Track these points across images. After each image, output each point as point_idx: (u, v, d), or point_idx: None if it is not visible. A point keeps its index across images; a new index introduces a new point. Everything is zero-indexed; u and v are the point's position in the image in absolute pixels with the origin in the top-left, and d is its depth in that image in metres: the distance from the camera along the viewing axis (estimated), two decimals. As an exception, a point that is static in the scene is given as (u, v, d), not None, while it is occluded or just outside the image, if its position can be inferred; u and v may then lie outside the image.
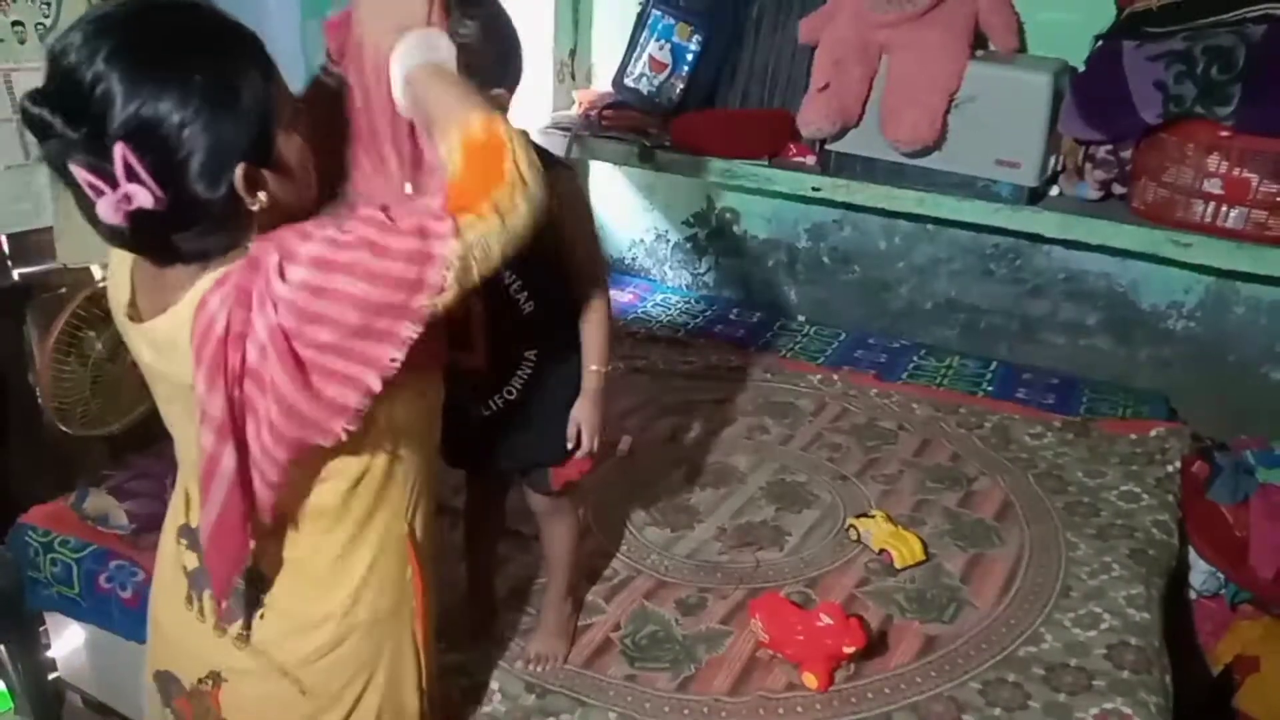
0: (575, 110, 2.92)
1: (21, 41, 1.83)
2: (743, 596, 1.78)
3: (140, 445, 2.02)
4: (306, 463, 1.05)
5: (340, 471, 1.10)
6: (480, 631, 1.67)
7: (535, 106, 2.87)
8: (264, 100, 0.99)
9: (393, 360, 0.98)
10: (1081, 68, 2.32)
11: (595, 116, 2.78)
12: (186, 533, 1.18)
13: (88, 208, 0.95)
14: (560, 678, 1.59)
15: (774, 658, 1.62)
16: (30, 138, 1.92)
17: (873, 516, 1.97)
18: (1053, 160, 2.35)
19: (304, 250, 0.96)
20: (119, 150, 0.90)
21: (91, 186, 0.92)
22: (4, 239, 1.92)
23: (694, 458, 2.24)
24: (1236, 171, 2.07)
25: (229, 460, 0.98)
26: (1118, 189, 2.33)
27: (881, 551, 1.89)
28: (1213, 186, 2.10)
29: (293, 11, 2.12)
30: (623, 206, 3.21)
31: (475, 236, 0.98)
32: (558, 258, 1.41)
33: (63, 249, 1.88)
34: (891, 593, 1.81)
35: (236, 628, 1.14)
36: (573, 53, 2.98)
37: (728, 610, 1.75)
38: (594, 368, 1.47)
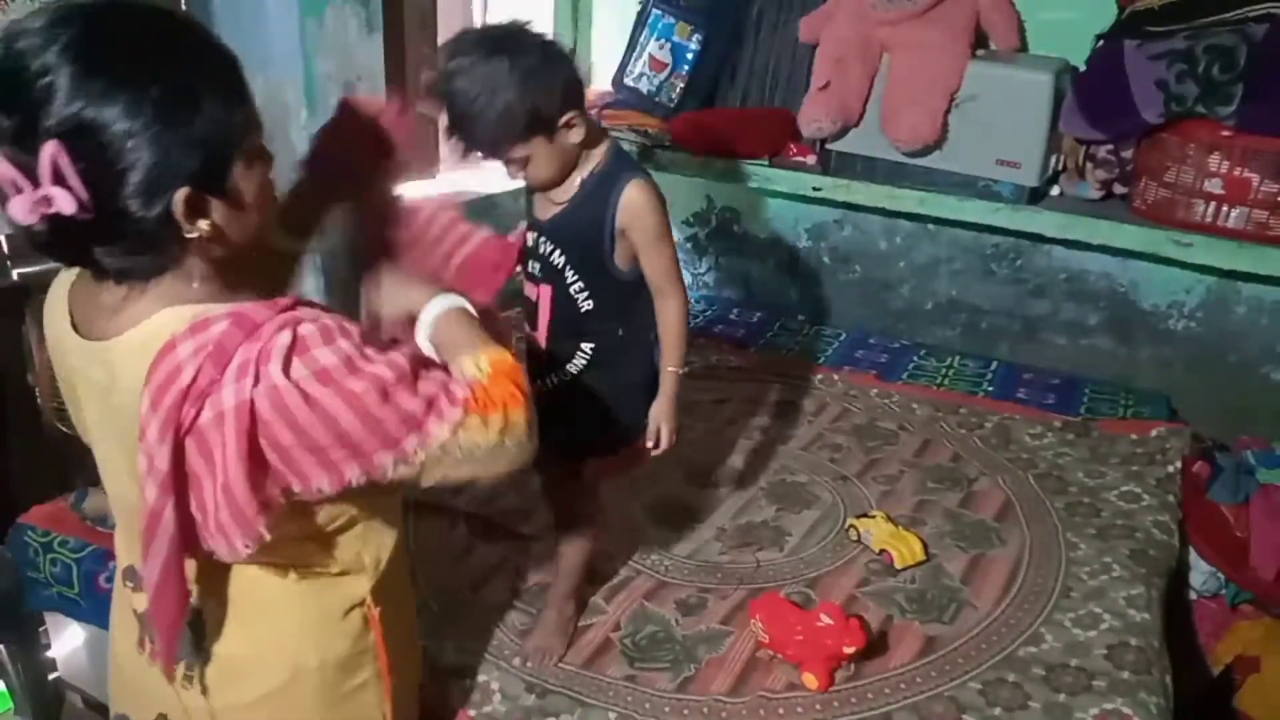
0: (575, 110, 2.92)
1: (21, 41, 1.83)
2: (743, 597, 1.78)
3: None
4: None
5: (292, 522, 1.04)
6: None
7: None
8: (225, 125, 0.92)
9: (319, 490, 0.95)
10: (1083, 67, 2.32)
11: (595, 116, 2.78)
12: (132, 575, 1.12)
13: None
14: (560, 677, 1.59)
15: (774, 658, 1.62)
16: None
17: (873, 517, 1.97)
18: (1054, 160, 2.35)
19: (319, 355, 0.92)
20: (50, 149, 0.83)
21: (9, 181, 0.85)
22: (3, 238, 1.93)
23: (695, 458, 2.24)
24: (1238, 171, 2.06)
25: (170, 514, 0.93)
26: (1119, 189, 2.33)
27: (882, 552, 1.89)
28: (1214, 186, 2.10)
29: (292, 11, 2.12)
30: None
31: (469, 437, 0.99)
32: (621, 264, 1.48)
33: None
34: (892, 593, 1.80)
35: (181, 670, 1.09)
36: (572, 52, 2.97)
37: (728, 610, 1.75)
38: (671, 369, 1.54)
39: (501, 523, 1.96)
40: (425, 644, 1.42)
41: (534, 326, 1.55)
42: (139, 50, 0.89)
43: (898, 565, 1.86)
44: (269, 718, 1.13)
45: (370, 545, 1.13)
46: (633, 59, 2.72)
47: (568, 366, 1.54)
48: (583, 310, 1.50)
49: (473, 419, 0.99)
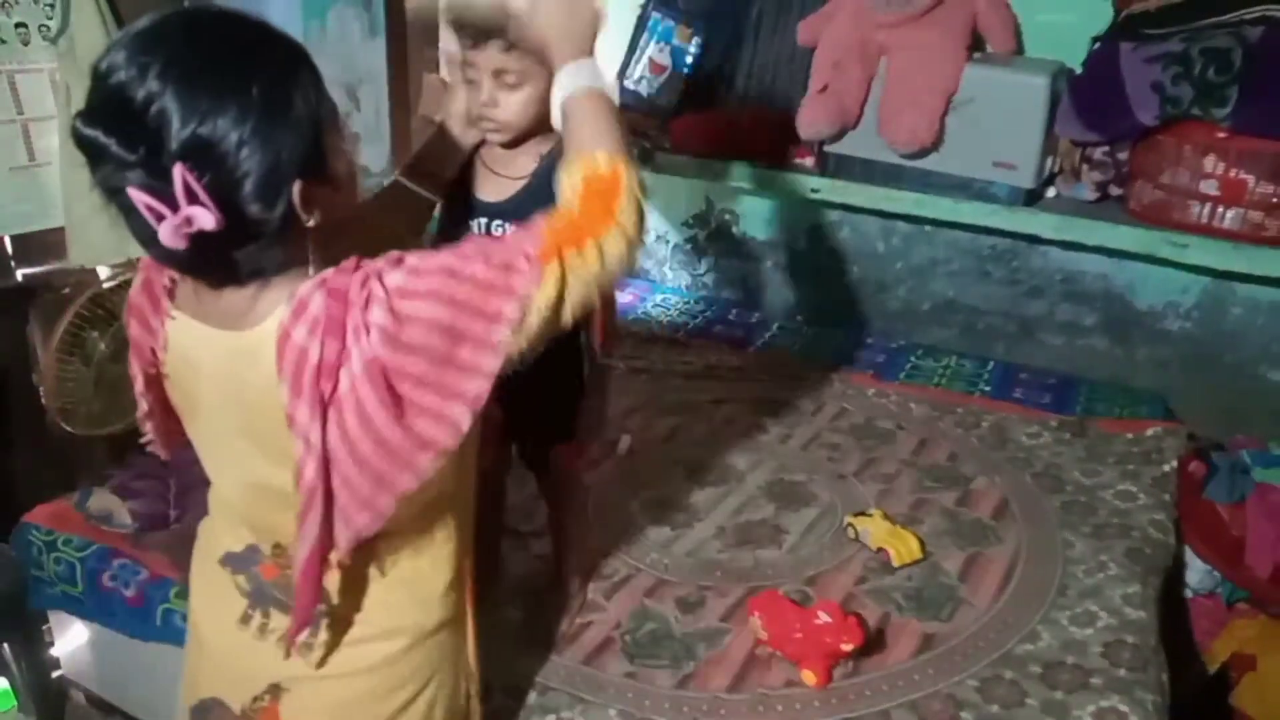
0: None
1: (25, 43, 1.84)
2: (742, 594, 1.79)
3: (143, 444, 2.03)
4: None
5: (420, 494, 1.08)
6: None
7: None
8: (315, 111, 0.96)
9: (477, 396, 0.98)
10: (1079, 69, 2.32)
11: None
12: (232, 559, 1.16)
13: (144, 232, 0.91)
14: (560, 675, 1.60)
15: (773, 655, 1.63)
16: (34, 140, 1.95)
17: (871, 515, 1.98)
18: (1050, 162, 2.36)
19: (389, 280, 0.96)
20: (179, 171, 0.87)
21: (151, 210, 0.88)
22: (7, 240, 1.94)
23: (694, 458, 2.25)
24: (1233, 173, 2.07)
25: (321, 489, 0.98)
26: (1115, 190, 2.34)
27: (879, 550, 1.90)
28: (1209, 188, 2.11)
29: (295, 15, 2.14)
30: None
31: (573, 275, 1.01)
32: None
33: (76, 251, 1.89)
34: (890, 591, 1.82)
35: (305, 636, 1.12)
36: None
37: (727, 608, 1.76)
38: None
39: (502, 521, 1.97)
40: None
41: None
42: (227, 58, 0.92)
43: (895, 563, 1.87)
44: (384, 680, 1.16)
45: (460, 511, 1.20)
46: (632, 62, 2.73)
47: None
48: None
49: (569, 254, 1.01)
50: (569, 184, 1.06)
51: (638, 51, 2.71)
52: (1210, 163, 2.09)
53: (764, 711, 1.54)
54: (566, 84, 1.16)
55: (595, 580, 1.82)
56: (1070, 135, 2.30)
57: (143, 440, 1.19)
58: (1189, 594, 2.12)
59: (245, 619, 1.15)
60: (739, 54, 2.76)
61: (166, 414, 1.15)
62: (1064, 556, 1.92)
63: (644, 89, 2.72)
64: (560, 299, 1.01)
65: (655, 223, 3.20)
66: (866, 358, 2.79)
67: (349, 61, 2.41)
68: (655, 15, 2.67)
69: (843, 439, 2.36)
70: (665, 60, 2.68)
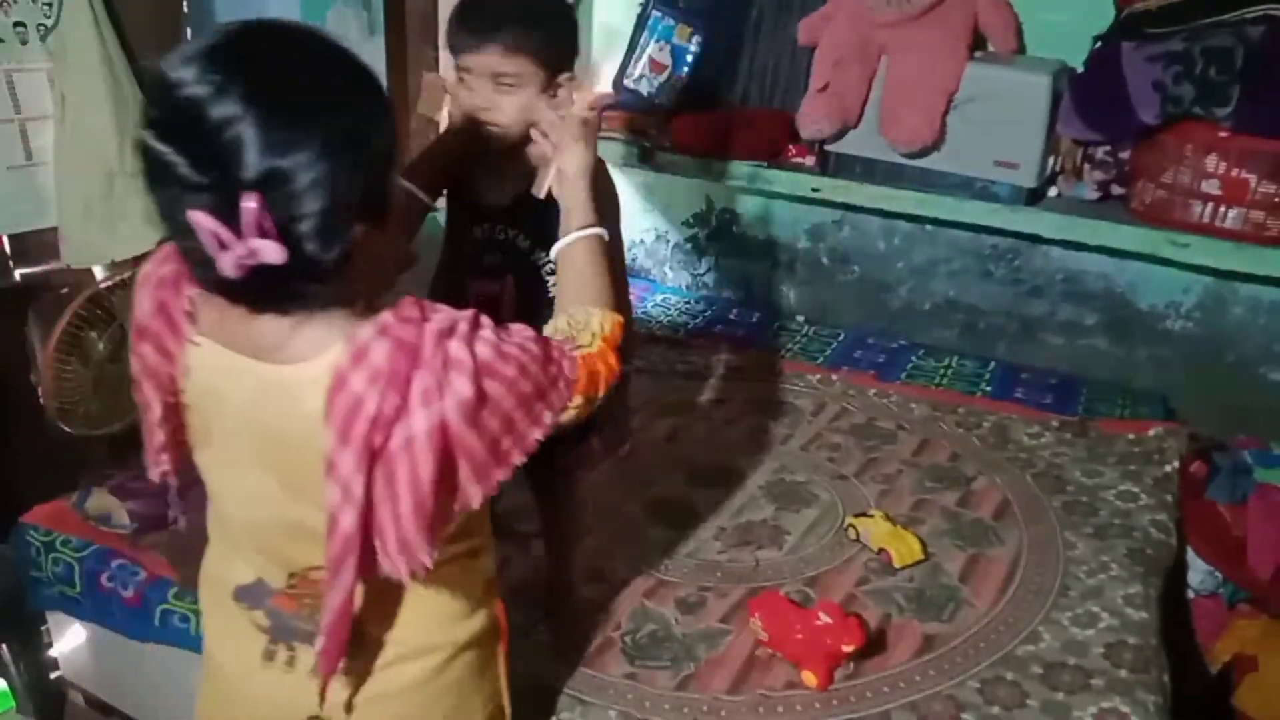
0: (576, 111, 2.92)
1: (23, 42, 1.84)
2: (742, 595, 1.78)
3: (142, 445, 2.03)
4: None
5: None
6: None
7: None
8: (386, 151, 0.94)
9: (505, 479, 1.00)
10: (1080, 68, 2.32)
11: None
12: (244, 594, 1.12)
13: (196, 255, 0.88)
14: (560, 676, 1.60)
15: (773, 656, 1.63)
16: (31, 139, 1.94)
17: (872, 516, 1.98)
18: (1051, 161, 2.36)
19: (479, 351, 0.95)
20: (251, 202, 0.83)
21: (216, 237, 0.84)
22: (5, 239, 1.93)
23: (694, 458, 2.25)
24: (1235, 172, 2.07)
25: (358, 539, 0.95)
26: (1116, 190, 2.34)
27: (880, 551, 1.89)
28: (1211, 187, 2.11)
29: (294, 14, 2.13)
30: (623, 207, 3.19)
31: (586, 409, 1.09)
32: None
33: (68, 251, 1.89)
34: (890, 592, 1.81)
35: (340, 665, 1.08)
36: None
37: (727, 609, 1.76)
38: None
39: (501, 521, 1.97)
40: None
41: (498, 314, 1.50)
42: (313, 89, 0.89)
43: (896, 564, 1.86)
44: (422, 698, 1.15)
45: (487, 523, 1.19)
46: (633, 61, 2.73)
47: None
48: (550, 294, 1.37)
49: (578, 399, 1.07)
50: (581, 322, 1.15)
51: (638, 51, 2.71)
52: (1212, 162, 2.09)
53: (764, 712, 1.53)
54: (580, 220, 1.25)
55: (595, 581, 1.82)
56: (1072, 134, 2.30)
57: (157, 472, 1.11)
58: (1190, 595, 2.11)
59: (269, 655, 1.12)
60: (739, 53, 2.76)
61: (181, 444, 1.09)
62: (1065, 557, 1.91)
63: (644, 88, 2.72)
64: (573, 420, 1.08)
65: (655, 222, 3.20)
66: (867, 358, 2.79)
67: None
68: (655, 14, 2.67)
69: (843, 439, 2.36)
70: (665, 59, 2.68)
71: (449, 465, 0.95)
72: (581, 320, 1.15)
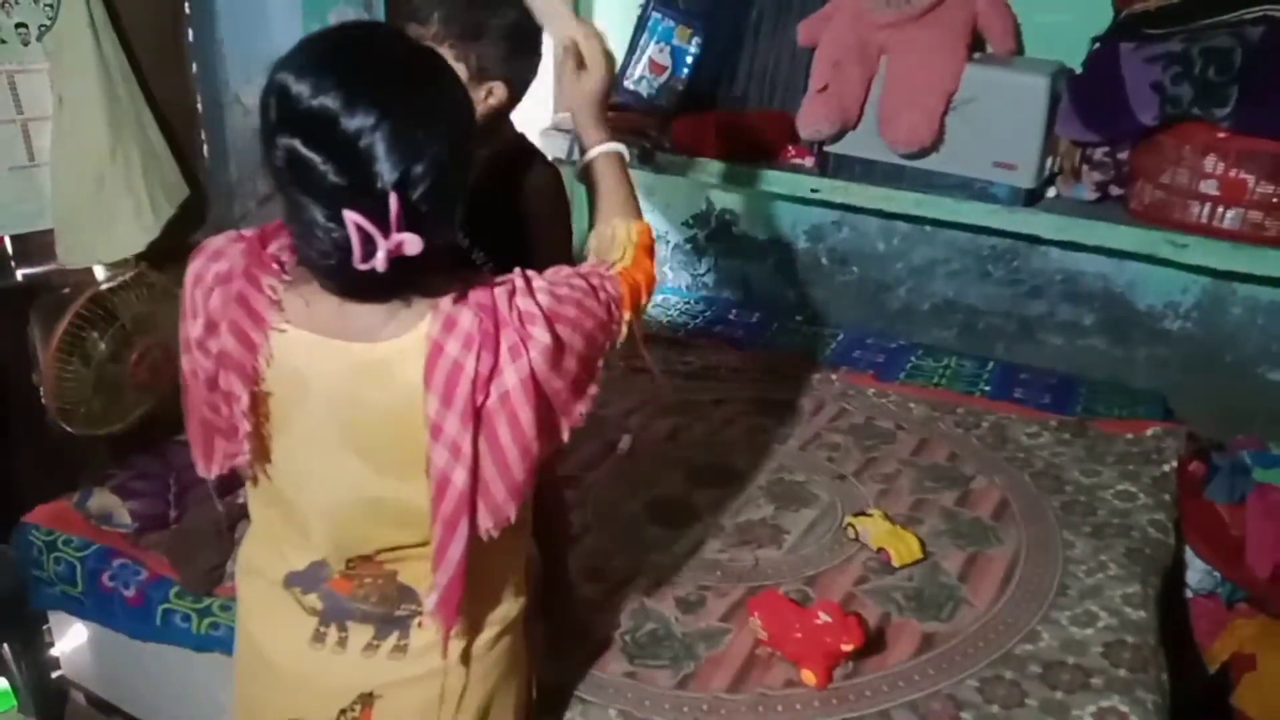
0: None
1: (25, 43, 1.84)
2: (742, 594, 1.79)
3: (143, 445, 2.03)
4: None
5: None
6: None
7: (536, 108, 2.87)
8: (473, 134, 1.04)
9: (584, 413, 1.10)
10: (1079, 69, 2.33)
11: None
12: (298, 579, 1.15)
13: (326, 252, 0.95)
14: (560, 675, 1.60)
15: (773, 655, 1.63)
16: (33, 140, 1.94)
17: (871, 515, 1.98)
18: (1050, 162, 2.37)
19: (542, 301, 1.03)
20: (395, 201, 0.91)
21: (363, 234, 0.91)
22: (7, 239, 1.93)
23: (694, 458, 2.25)
24: (1233, 173, 2.08)
25: (468, 494, 1.02)
26: (1115, 190, 2.34)
27: (880, 550, 1.90)
28: (1209, 188, 2.11)
29: (296, 15, 2.13)
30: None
31: (637, 321, 1.18)
32: (525, 248, 1.41)
33: (63, 251, 1.89)
34: (890, 591, 1.82)
35: (392, 641, 1.14)
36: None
37: (727, 608, 1.76)
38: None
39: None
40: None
41: None
42: (431, 95, 0.99)
43: (895, 563, 1.87)
44: (474, 672, 1.18)
45: (531, 496, 1.22)
46: (633, 62, 2.73)
47: None
48: None
49: (627, 311, 1.16)
50: (614, 237, 1.22)
51: (638, 51, 2.71)
52: (1210, 163, 2.09)
53: (764, 711, 1.54)
54: (597, 138, 1.31)
55: (595, 581, 1.82)
56: (1070, 135, 2.30)
57: (224, 465, 1.12)
58: (1189, 594, 2.12)
59: (318, 637, 1.15)
60: (739, 54, 2.76)
61: (259, 433, 1.10)
62: (1064, 556, 1.92)
63: (644, 89, 2.72)
64: (629, 337, 1.17)
65: (655, 222, 3.20)
66: (866, 358, 2.79)
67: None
68: (655, 15, 2.67)
69: (843, 439, 2.36)
70: (665, 60, 2.68)
71: (542, 409, 1.03)
72: (608, 236, 1.23)
